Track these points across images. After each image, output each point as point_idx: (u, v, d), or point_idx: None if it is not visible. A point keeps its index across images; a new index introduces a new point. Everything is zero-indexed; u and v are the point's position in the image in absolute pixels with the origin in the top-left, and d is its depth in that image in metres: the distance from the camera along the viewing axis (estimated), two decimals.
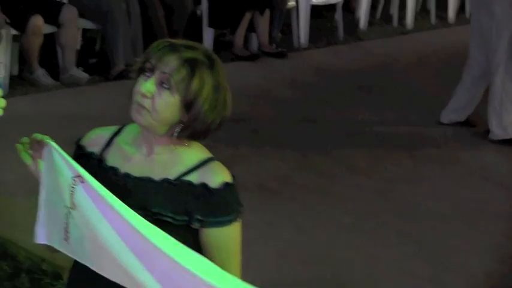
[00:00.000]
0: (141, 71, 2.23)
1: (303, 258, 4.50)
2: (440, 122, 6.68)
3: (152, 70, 2.20)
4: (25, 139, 2.23)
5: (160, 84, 2.19)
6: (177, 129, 2.22)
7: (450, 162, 6.07)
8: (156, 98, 2.19)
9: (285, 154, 5.91)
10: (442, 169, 5.95)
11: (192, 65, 2.18)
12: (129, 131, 2.33)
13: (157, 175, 2.24)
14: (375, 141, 6.36)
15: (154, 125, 2.21)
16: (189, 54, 2.20)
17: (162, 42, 2.25)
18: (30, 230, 4.25)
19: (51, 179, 2.21)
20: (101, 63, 7.29)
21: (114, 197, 2.10)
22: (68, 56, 6.86)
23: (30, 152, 2.24)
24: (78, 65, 7.00)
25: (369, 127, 6.64)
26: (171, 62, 2.18)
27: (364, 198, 5.33)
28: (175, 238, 2.06)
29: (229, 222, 2.24)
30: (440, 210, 5.27)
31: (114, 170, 2.27)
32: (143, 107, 2.19)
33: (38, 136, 2.22)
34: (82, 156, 2.31)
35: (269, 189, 5.15)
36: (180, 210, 2.21)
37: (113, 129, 2.36)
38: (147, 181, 2.23)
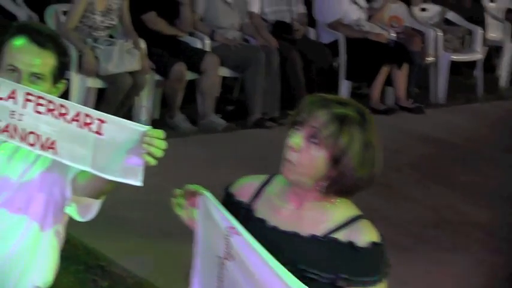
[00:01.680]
0: (293, 124, 2.23)
1: None
2: None
3: (302, 124, 2.20)
4: (178, 191, 2.26)
5: (309, 138, 2.18)
6: (324, 186, 2.21)
7: None
8: (303, 152, 2.18)
9: (418, 210, 5.82)
10: None
11: (341, 121, 2.17)
12: (278, 182, 2.32)
13: (304, 231, 2.22)
14: None
15: (301, 180, 2.21)
16: (339, 109, 2.18)
17: (315, 97, 2.25)
18: (165, 271, 4.35)
19: (206, 228, 2.23)
20: (238, 111, 7.42)
21: (267, 252, 2.10)
22: (207, 103, 7.03)
23: (184, 202, 2.27)
24: (216, 111, 7.15)
25: (507, 191, 6.44)
26: (321, 117, 2.17)
27: (501, 260, 5.18)
28: None
29: (374, 282, 2.21)
30: None
31: (262, 222, 2.26)
32: (290, 162, 2.19)
33: (192, 187, 2.24)
34: (231, 203, 2.31)
35: (403, 246, 5.07)
36: (326, 268, 2.18)
37: (262, 178, 2.36)
38: (294, 236, 2.22)
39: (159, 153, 2.17)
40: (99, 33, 6.55)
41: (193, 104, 7.15)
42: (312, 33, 8.20)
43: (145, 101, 6.73)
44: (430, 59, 8.69)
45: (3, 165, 2.59)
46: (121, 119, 2.23)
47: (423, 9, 9.32)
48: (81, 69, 6.38)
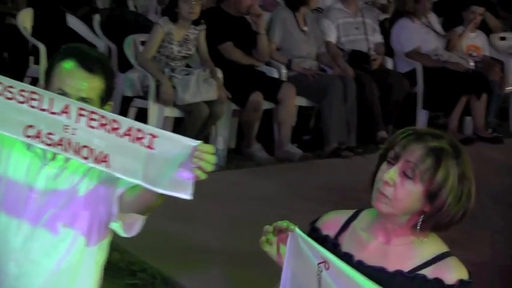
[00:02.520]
0: (384, 157, 2.22)
1: None
2: None
3: (396, 158, 2.18)
4: (268, 228, 2.26)
5: (404, 173, 2.16)
6: (420, 221, 2.18)
7: None
8: (399, 186, 2.16)
9: (500, 242, 5.69)
10: None
11: (437, 155, 2.15)
12: (366, 216, 2.31)
13: (391, 266, 2.20)
14: None
15: (395, 214, 2.19)
16: (434, 143, 2.16)
17: (407, 130, 2.23)
18: None
19: (295, 265, 2.22)
20: (315, 140, 7.40)
21: (363, 278, 2.08)
22: (283, 132, 7.03)
23: (274, 238, 2.26)
24: (292, 141, 7.14)
25: None
26: (416, 151, 2.16)
27: None
28: None
29: None
30: None
31: (348, 256, 2.25)
32: (384, 196, 2.17)
33: (283, 224, 2.23)
34: (317, 238, 2.28)
35: (483, 278, 4.96)
36: None
37: (349, 213, 2.35)
38: (379, 271, 2.20)
39: (209, 168, 2.21)
40: (176, 63, 6.63)
41: (270, 133, 7.16)
42: (389, 63, 8.16)
43: (222, 131, 6.76)
44: (509, 88, 8.55)
45: (50, 182, 2.64)
46: (172, 133, 2.27)
47: (502, 38, 9.19)
48: (158, 98, 6.46)
